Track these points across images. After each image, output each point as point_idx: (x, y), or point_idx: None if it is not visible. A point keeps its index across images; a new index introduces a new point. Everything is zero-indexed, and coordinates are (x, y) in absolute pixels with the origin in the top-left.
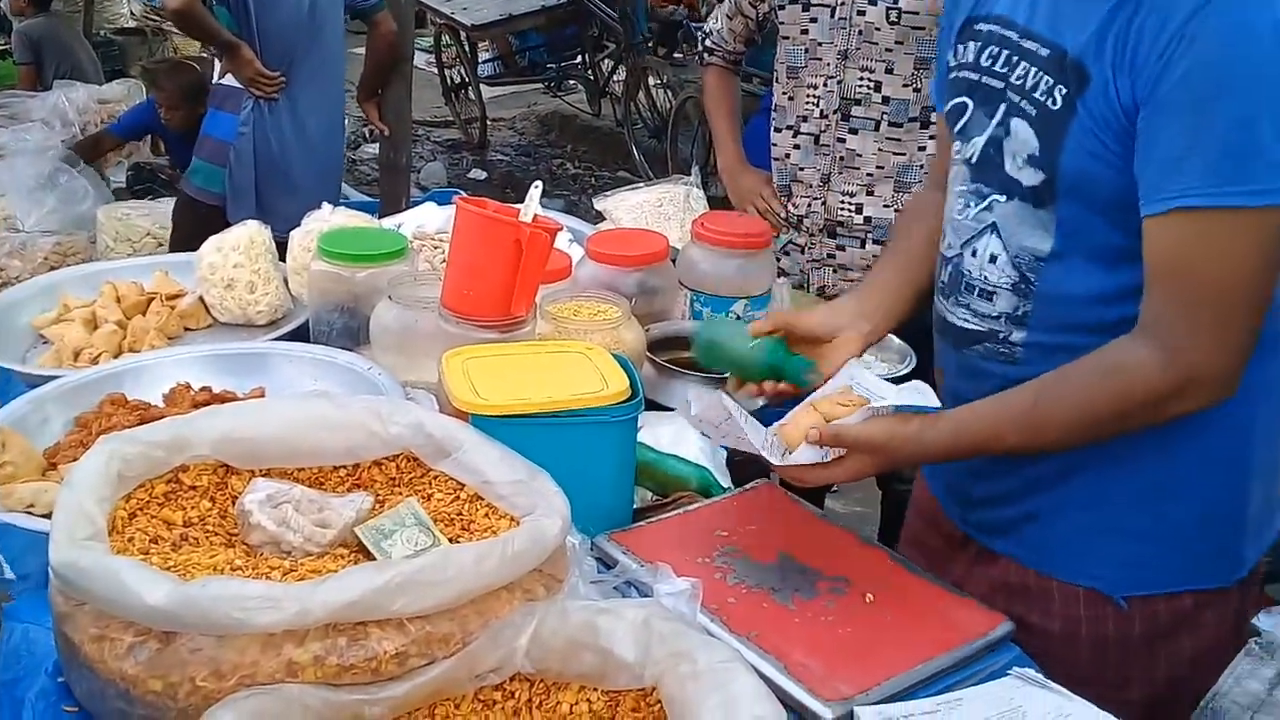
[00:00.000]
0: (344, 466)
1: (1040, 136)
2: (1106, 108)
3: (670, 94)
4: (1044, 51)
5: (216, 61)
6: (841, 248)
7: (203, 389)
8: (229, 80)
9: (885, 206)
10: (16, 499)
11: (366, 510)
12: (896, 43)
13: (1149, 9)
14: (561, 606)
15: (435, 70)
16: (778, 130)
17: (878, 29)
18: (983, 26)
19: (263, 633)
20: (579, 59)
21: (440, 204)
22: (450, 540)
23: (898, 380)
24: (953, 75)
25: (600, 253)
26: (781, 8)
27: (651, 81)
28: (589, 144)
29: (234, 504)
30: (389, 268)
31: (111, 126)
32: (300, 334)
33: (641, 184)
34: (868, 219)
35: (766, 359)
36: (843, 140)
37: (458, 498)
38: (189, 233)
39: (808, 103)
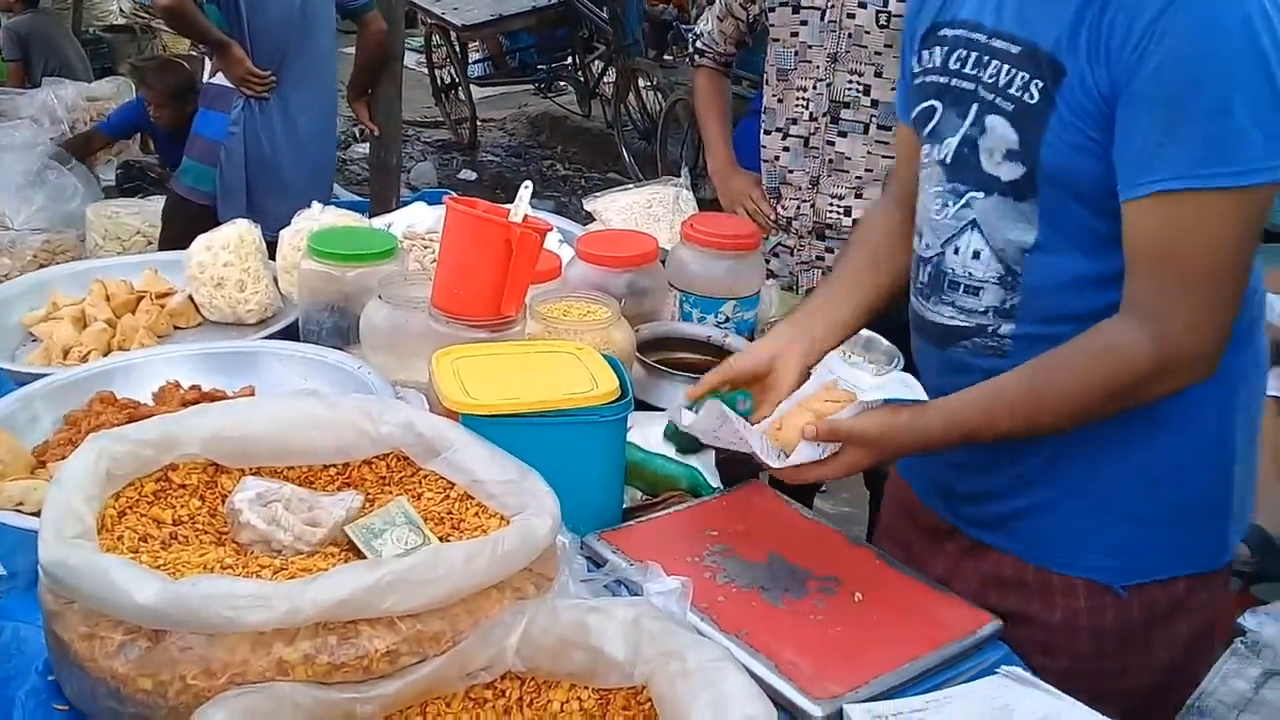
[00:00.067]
0: (334, 465)
1: (1019, 131)
2: (1086, 98)
3: (660, 96)
4: (1015, 49)
5: (206, 60)
6: (830, 250)
7: (192, 387)
8: (219, 79)
9: None
10: (5, 497)
11: (357, 509)
12: (885, 46)
13: (1117, 6)
14: (552, 605)
15: (425, 70)
16: (767, 132)
17: (867, 32)
18: (948, 32)
19: (253, 631)
20: (569, 60)
21: (430, 204)
22: (440, 539)
23: None
24: (918, 81)
25: (590, 253)
26: (772, 10)
27: (641, 83)
28: (579, 145)
29: (224, 502)
30: (379, 267)
31: (101, 125)
32: (290, 333)
33: (631, 185)
34: (856, 221)
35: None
36: (832, 143)
37: (448, 497)
38: (179, 232)
39: (797, 105)
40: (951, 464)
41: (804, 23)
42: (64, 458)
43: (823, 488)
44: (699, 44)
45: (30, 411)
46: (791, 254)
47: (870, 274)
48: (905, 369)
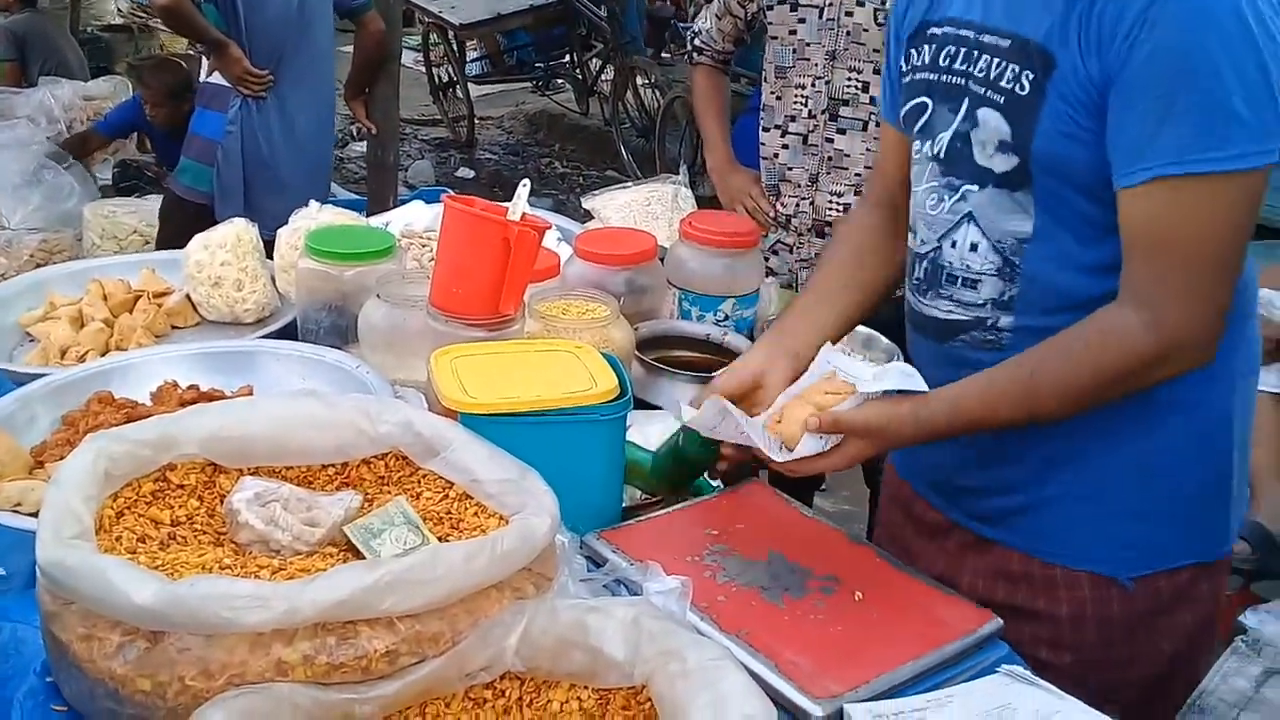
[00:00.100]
0: (333, 465)
1: (1011, 122)
2: (1078, 87)
3: (658, 93)
4: (1005, 43)
5: (204, 59)
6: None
7: (190, 387)
8: (217, 78)
9: None
10: (4, 497)
11: (355, 509)
12: (884, 43)
13: None
14: (551, 605)
15: (423, 69)
16: (766, 130)
17: (865, 30)
18: (936, 30)
19: (251, 632)
20: (567, 58)
21: (428, 202)
22: (439, 539)
23: None
24: (907, 80)
25: (588, 251)
26: (770, 8)
27: (639, 81)
28: (577, 143)
29: (222, 503)
30: (377, 266)
31: (98, 125)
32: (288, 332)
33: (629, 183)
34: None
35: (686, 444)
36: (831, 140)
37: (447, 496)
38: (176, 231)
39: (796, 102)
40: (953, 459)
41: (802, 20)
42: (62, 458)
43: (823, 486)
44: (697, 42)
45: (28, 412)
46: (791, 251)
47: (850, 281)
48: None
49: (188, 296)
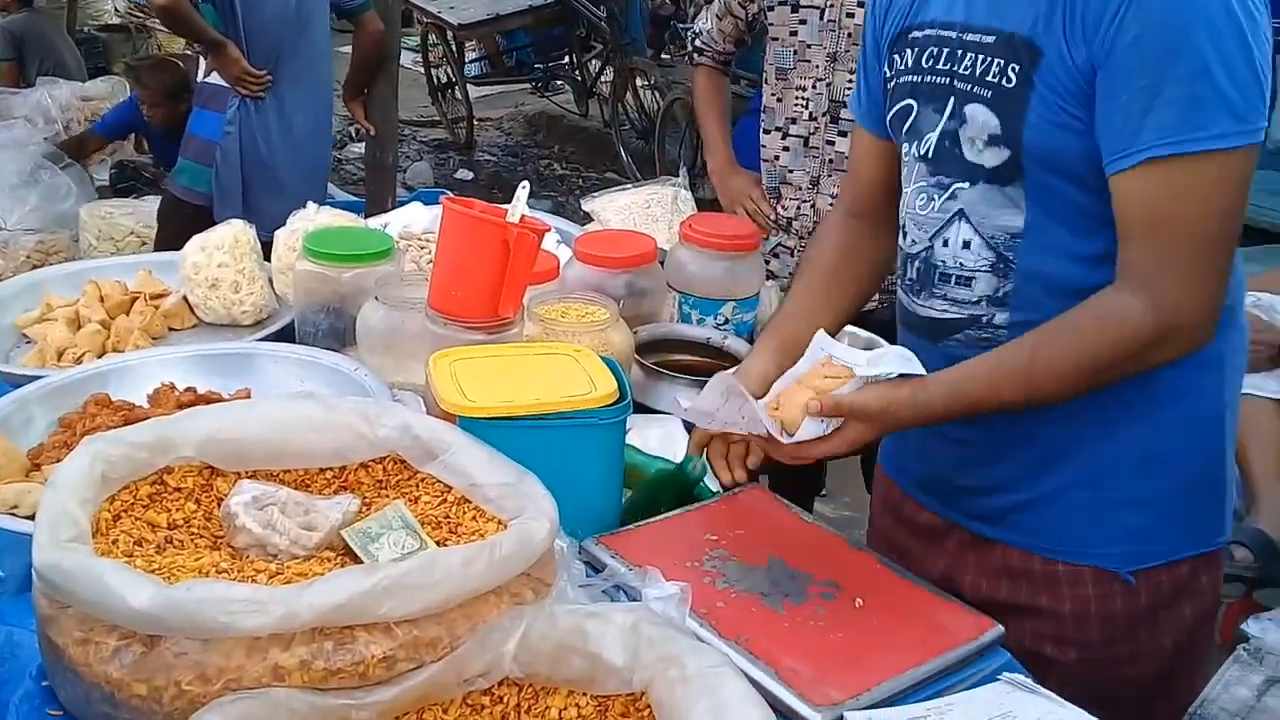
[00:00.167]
0: (330, 468)
1: (1000, 115)
2: (1066, 76)
3: (658, 95)
4: (988, 39)
5: (201, 59)
6: None
7: (187, 389)
8: (215, 79)
9: None
10: (0, 500)
11: (353, 513)
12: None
13: None
14: (550, 610)
15: (422, 70)
16: (767, 132)
17: None
18: (918, 34)
19: (248, 636)
20: (566, 59)
21: (427, 204)
22: (438, 543)
23: None
24: (891, 85)
25: (588, 254)
26: (771, 9)
27: (639, 82)
28: (576, 145)
29: (219, 506)
30: (375, 268)
31: (95, 126)
32: (286, 334)
33: (629, 185)
34: None
35: (677, 468)
36: (832, 143)
37: (445, 500)
38: (175, 232)
39: (796, 104)
40: (948, 460)
41: (803, 22)
42: (59, 460)
43: (824, 491)
44: (698, 42)
45: (25, 414)
46: (792, 255)
47: (830, 293)
48: None
49: (185, 298)
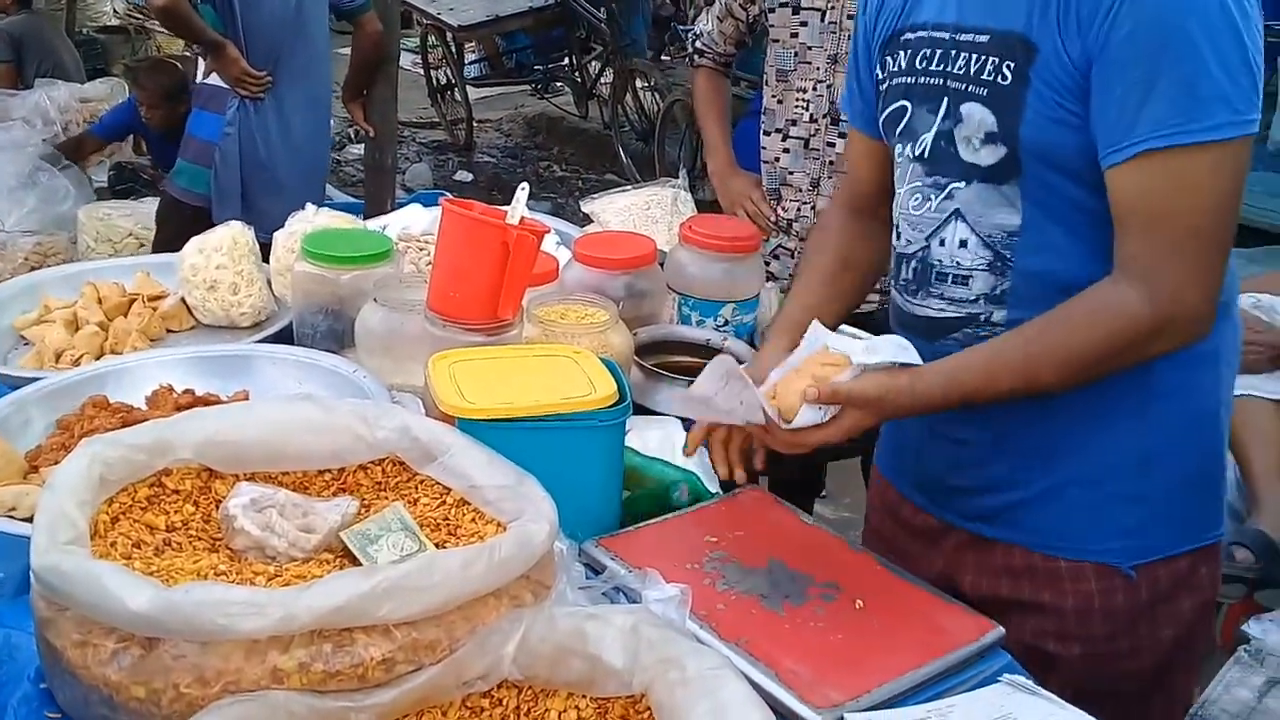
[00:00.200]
0: (329, 471)
1: (996, 112)
2: (1062, 72)
3: (658, 96)
4: (982, 38)
5: (200, 60)
6: None
7: (186, 391)
8: (214, 80)
9: None
10: None
11: (352, 515)
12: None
13: None
14: (549, 613)
15: (421, 71)
16: (767, 134)
17: None
18: (910, 36)
19: (247, 639)
20: (566, 61)
21: (426, 205)
22: (437, 545)
23: None
24: (884, 87)
25: (587, 256)
26: (772, 11)
27: (639, 84)
28: (576, 146)
29: (218, 508)
30: (374, 270)
31: (93, 128)
32: (284, 336)
33: (629, 187)
34: None
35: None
36: (832, 145)
37: (444, 502)
38: (174, 234)
39: (797, 106)
40: (943, 461)
41: (804, 24)
42: (57, 463)
43: (824, 493)
44: (698, 44)
45: (23, 415)
46: (792, 256)
47: (829, 291)
48: None
49: (183, 300)
